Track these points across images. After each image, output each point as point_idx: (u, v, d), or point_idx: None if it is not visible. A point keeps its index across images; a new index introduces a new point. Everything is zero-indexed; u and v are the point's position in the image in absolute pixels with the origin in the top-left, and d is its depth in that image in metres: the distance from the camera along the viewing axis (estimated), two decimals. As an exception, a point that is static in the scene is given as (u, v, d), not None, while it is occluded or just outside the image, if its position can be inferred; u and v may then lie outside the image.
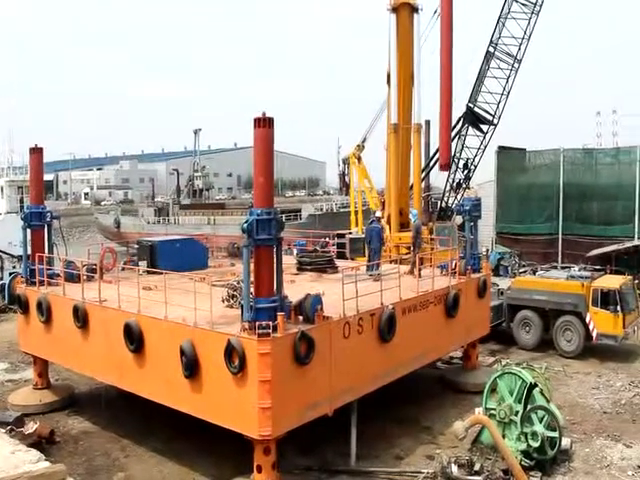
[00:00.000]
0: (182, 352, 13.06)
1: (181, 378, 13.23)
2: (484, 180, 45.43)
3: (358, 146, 37.63)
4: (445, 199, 43.15)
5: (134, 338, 14.33)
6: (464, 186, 41.47)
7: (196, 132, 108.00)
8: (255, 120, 12.09)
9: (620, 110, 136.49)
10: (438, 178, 44.52)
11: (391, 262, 19.96)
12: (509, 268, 30.24)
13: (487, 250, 38.71)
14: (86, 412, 18.31)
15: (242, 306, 12.56)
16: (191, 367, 13.00)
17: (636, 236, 36.92)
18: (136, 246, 21.47)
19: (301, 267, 20.50)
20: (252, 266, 12.25)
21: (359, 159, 37.38)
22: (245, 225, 11.97)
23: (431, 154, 43.10)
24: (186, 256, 19.43)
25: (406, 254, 23.08)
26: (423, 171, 34.94)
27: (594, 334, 23.30)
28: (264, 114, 12.15)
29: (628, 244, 35.93)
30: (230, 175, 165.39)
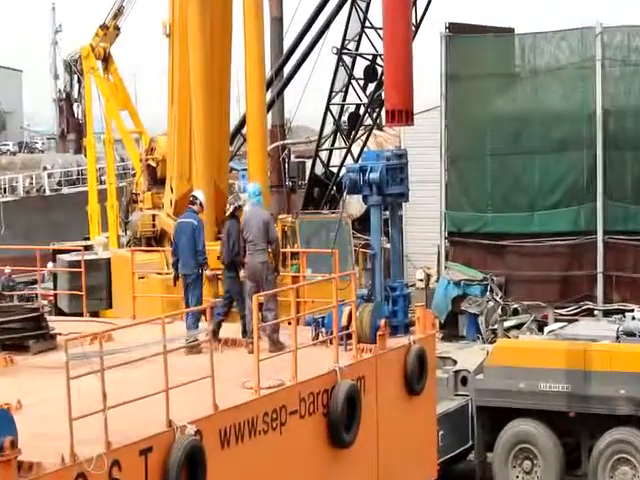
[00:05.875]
0: None
1: None
2: (416, 108, 46.61)
3: (104, 29, 37.77)
4: (320, 157, 44.04)
5: None
6: (370, 123, 42.47)
7: None
8: None
9: None
10: (303, 106, 45.32)
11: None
12: (481, 318, 31.39)
13: (427, 276, 39.73)
14: None
15: None
16: None
17: None
18: None
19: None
20: None
21: (107, 60, 37.42)
22: None
23: (287, 42, 43.98)
24: None
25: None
26: (268, 87, 35.83)
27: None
28: None
29: None
30: None
